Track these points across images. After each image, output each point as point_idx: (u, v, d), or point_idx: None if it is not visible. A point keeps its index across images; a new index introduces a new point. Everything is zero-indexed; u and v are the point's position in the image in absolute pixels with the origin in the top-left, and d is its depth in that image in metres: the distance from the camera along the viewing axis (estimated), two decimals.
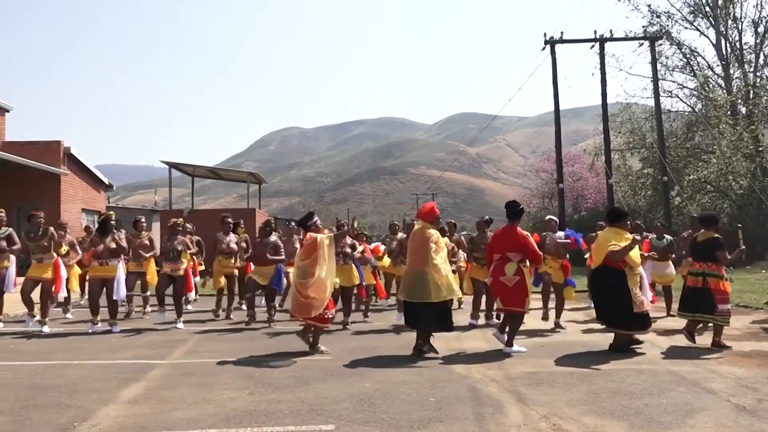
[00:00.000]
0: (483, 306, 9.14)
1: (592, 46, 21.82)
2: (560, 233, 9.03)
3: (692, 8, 28.02)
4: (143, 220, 10.34)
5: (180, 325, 8.94)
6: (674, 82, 28.60)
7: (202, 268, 11.26)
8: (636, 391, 4.88)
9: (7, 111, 20.49)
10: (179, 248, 9.25)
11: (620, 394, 4.80)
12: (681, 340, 7.14)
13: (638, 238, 7.04)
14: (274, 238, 9.26)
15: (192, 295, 10.08)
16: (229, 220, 10.20)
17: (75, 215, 20.15)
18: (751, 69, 27.27)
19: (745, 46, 27.73)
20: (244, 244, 10.40)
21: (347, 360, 6.31)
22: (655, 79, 22.24)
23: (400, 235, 10.43)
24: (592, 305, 7.31)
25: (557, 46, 20.88)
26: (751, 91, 26.48)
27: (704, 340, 7.24)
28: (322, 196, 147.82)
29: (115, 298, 8.60)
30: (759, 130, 24.94)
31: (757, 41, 27.07)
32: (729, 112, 25.92)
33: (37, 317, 8.75)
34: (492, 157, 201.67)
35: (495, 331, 6.95)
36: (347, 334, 8.21)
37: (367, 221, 75.82)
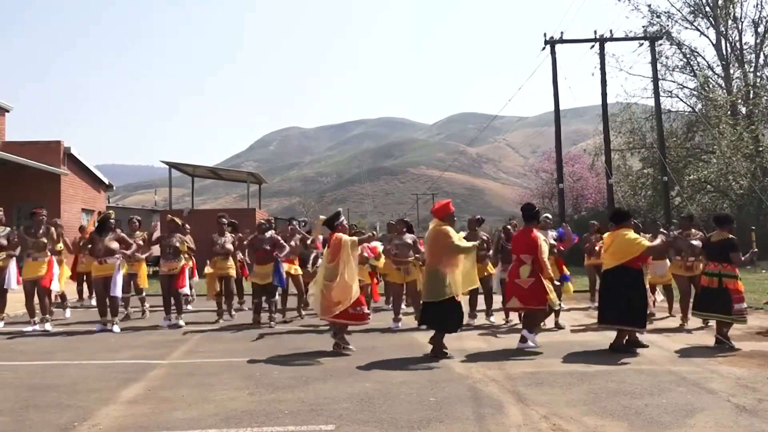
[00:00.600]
0: (486, 306, 9.16)
1: (592, 46, 21.81)
2: (552, 232, 9.15)
3: (692, 8, 28.02)
4: (136, 219, 10.33)
5: (181, 321, 9.08)
6: (674, 82, 28.64)
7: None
8: (636, 391, 4.88)
9: (8, 111, 20.47)
10: (176, 244, 9.22)
11: (620, 394, 4.80)
12: (681, 340, 7.15)
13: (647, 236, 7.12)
14: (270, 233, 9.23)
15: (185, 289, 10.00)
16: (224, 220, 10.02)
17: (75, 215, 20.14)
18: (751, 69, 27.28)
19: (745, 46, 27.76)
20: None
21: (347, 360, 6.31)
22: (655, 79, 22.23)
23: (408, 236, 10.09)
24: (596, 305, 7.32)
25: (557, 46, 20.85)
26: (751, 91, 26.48)
27: (705, 339, 7.24)
28: (322, 196, 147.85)
29: (112, 294, 8.64)
30: (759, 130, 24.94)
31: (757, 41, 27.10)
32: (729, 112, 25.92)
33: (38, 321, 8.75)
34: (492, 157, 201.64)
35: (524, 332, 6.86)
36: (347, 334, 8.19)
37: (366, 221, 75.70)
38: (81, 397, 4.88)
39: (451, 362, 6.15)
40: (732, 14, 27.33)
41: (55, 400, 4.80)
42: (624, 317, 6.60)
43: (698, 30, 28.33)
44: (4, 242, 8.72)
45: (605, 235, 7.35)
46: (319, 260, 9.13)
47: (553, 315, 8.65)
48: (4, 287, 8.80)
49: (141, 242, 9.95)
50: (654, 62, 22.24)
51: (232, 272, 9.90)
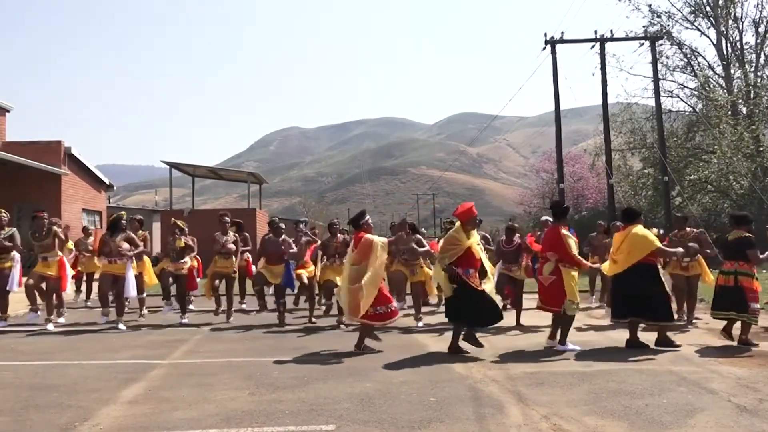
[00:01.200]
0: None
1: (593, 46, 21.80)
2: None
3: (693, 8, 28.00)
4: (137, 219, 10.36)
5: (185, 320, 9.24)
6: (675, 82, 28.61)
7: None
8: (636, 391, 4.88)
9: (8, 111, 20.48)
10: (181, 245, 9.42)
11: (621, 394, 4.79)
12: (681, 340, 7.13)
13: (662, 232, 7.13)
14: (284, 236, 9.31)
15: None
16: (227, 218, 9.97)
17: (75, 215, 20.15)
18: (752, 69, 27.26)
19: (745, 46, 27.74)
20: (241, 243, 10.42)
21: (347, 360, 6.31)
22: (656, 79, 22.22)
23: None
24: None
25: (558, 46, 20.84)
26: (752, 91, 26.47)
27: (705, 339, 7.23)
28: (322, 196, 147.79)
29: (126, 296, 8.85)
30: (760, 130, 24.92)
31: (758, 41, 27.07)
32: (730, 112, 25.91)
33: (43, 314, 8.90)
34: (492, 157, 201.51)
35: (554, 345, 6.82)
36: (347, 334, 8.19)
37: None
38: (81, 397, 4.88)
39: (451, 362, 6.15)
40: (732, 14, 27.32)
41: (56, 400, 4.80)
42: (648, 312, 6.61)
43: (699, 30, 28.33)
44: (8, 244, 8.77)
45: (615, 234, 7.37)
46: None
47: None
48: (6, 289, 8.84)
49: (140, 242, 9.98)
50: (654, 62, 22.23)
51: (234, 272, 9.75)
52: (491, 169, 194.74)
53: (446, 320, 6.93)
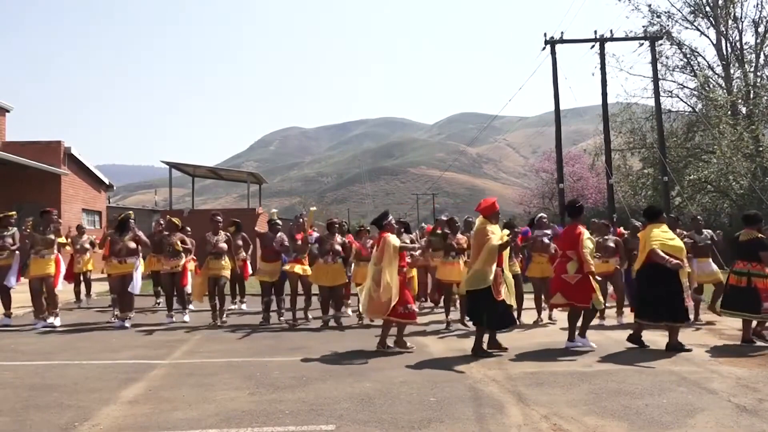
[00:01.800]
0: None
1: (593, 46, 21.75)
2: (547, 231, 9.30)
3: (692, 8, 27.98)
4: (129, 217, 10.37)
5: (186, 317, 9.34)
6: (674, 82, 28.59)
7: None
8: (636, 391, 4.88)
9: (8, 111, 20.48)
10: (177, 243, 9.58)
11: (621, 394, 4.80)
12: (682, 340, 7.14)
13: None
14: (280, 233, 9.38)
15: (188, 288, 10.08)
16: (219, 218, 9.66)
17: (75, 215, 20.15)
18: (752, 69, 27.24)
19: (745, 46, 27.71)
20: (240, 242, 10.40)
21: (347, 360, 6.31)
22: (656, 79, 22.19)
23: (405, 236, 9.84)
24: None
25: (557, 46, 20.80)
26: (752, 91, 26.45)
27: (705, 339, 7.23)
28: (322, 196, 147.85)
29: (129, 290, 8.93)
30: (759, 130, 24.90)
31: (758, 41, 27.04)
32: (729, 112, 25.89)
33: (46, 317, 8.94)
34: (492, 157, 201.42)
35: (570, 345, 6.83)
36: (347, 333, 8.20)
37: (367, 221, 75.74)
38: (81, 397, 4.88)
39: (451, 362, 6.15)
40: (732, 14, 27.31)
41: (56, 400, 4.80)
42: (664, 313, 6.59)
43: (698, 30, 28.31)
44: (10, 241, 8.98)
45: (639, 233, 7.39)
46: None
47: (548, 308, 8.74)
48: (5, 284, 8.96)
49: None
50: (654, 62, 22.21)
51: (226, 273, 9.37)
52: (491, 169, 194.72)
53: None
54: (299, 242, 9.17)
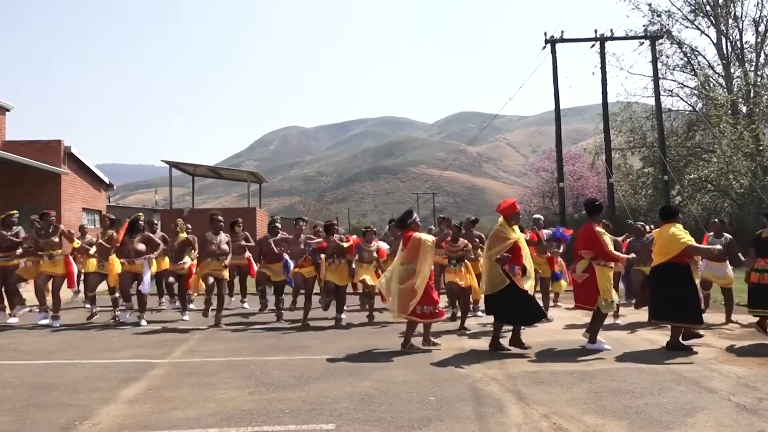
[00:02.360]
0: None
1: (593, 45, 21.76)
2: (546, 231, 9.41)
3: (693, 7, 27.98)
4: (109, 217, 10.30)
5: (186, 317, 9.51)
6: (675, 81, 28.59)
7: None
8: (636, 390, 4.88)
9: (8, 110, 20.48)
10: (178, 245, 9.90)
11: (621, 393, 4.80)
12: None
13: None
14: (280, 235, 9.54)
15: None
16: (220, 217, 9.51)
17: (76, 215, 20.15)
18: (752, 68, 27.24)
19: (745, 45, 27.72)
20: (243, 242, 10.48)
21: (347, 359, 6.31)
22: (656, 78, 22.20)
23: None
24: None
25: (558, 45, 20.82)
26: (752, 90, 26.44)
27: (705, 339, 7.23)
28: (322, 196, 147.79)
29: (139, 289, 9.07)
30: (759, 129, 24.91)
31: (758, 40, 27.04)
32: (729, 111, 25.90)
33: (50, 315, 9.09)
34: (492, 156, 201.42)
35: (589, 346, 6.74)
36: (348, 333, 8.21)
37: (367, 220, 75.82)
38: (82, 397, 4.89)
39: (451, 361, 6.15)
40: (732, 13, 27.30)
41: (56, 400, 4.81)
42: (678, 314, 6.55)
43: (699, 29, 28.31)
44: (16, 239, 9.15)
45: (654, 232, 7.37)
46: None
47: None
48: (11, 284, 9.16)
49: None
50: (654, 61, 22.22)
51: (226, 275, 9.29)
52: (491, 168, 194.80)
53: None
54: (302, 246, 9.26)
